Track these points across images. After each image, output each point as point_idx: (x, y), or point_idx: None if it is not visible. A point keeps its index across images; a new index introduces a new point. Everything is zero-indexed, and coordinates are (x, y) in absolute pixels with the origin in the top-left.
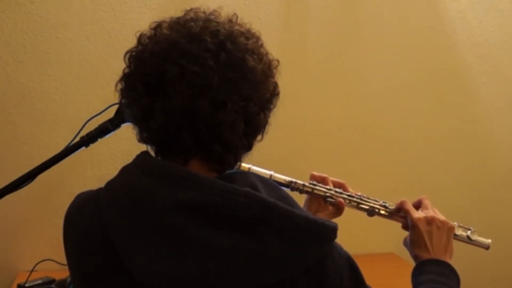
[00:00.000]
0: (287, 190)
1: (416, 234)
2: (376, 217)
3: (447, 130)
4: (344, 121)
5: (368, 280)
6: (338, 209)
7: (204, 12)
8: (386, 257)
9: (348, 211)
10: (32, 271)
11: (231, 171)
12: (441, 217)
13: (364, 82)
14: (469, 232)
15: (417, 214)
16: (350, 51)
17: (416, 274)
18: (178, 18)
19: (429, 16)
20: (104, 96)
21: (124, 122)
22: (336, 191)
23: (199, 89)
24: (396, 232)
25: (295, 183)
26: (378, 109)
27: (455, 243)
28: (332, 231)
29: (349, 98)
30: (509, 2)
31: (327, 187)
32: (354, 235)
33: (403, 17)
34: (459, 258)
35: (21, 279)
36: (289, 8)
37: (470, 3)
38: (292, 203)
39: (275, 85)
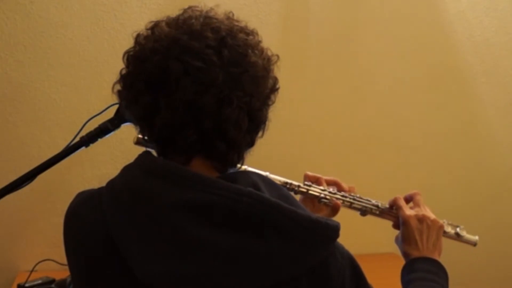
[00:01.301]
0: None
1: (407, 231)
2: (376, 217)
3: (447, 130)
4: (343, 121)
5: (367, 280)
6: (333, 210)
7: (201, 10)
8: (386, 257)
9: (346, 211)
10: (32, 271)
11: (232, 171)
12: (432, 215)
13: (363, 82)
14: (457, 229)
15: (409, 212)
16: (350, 51)
17: (406, 272)
18: (177, 16)
19: (429, 16)
20: (104, 96)
21: (124, 122)
22: (330, 192)
23: (204, 85)
24: (396, 232)
25: (290, 184)
26: (377, 109)
27: (448, 241)
28: (335, 230)
29: (348, 98)
30: (509, 2)
31: (321, 187)
32: (354, 235)
33: (403, 17)
34: (458, 260)
35: (21, 279)
36: (289, 8)
37: (470, 3)
38: (294, 202)
39: (275, 81)
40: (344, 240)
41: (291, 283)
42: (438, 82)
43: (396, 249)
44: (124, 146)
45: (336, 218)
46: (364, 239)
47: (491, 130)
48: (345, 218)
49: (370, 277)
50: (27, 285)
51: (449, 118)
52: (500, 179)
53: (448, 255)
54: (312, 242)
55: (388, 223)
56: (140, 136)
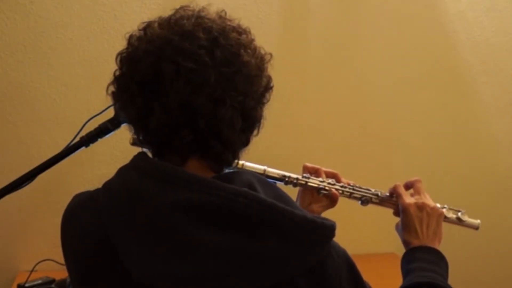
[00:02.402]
0: (281, 184)
1: (407, 219)
2: (375, 217)
3: (447, 130)
4: (344, 121)
5: (368, 280)
6: (332, 201)
7: (193, 10)
8: (386, 257)
9: (347, 211)
10: (32, 271)
11: (228, 171)
12: (431, 203)
13: (364, 81)
14: (459, 213)
15: (408, 200)
16: (350, 51)
17: (406, 261)
18: (169, 17)
19: (429, 16)
20: (104, 96)
21: (124, 122)
22: (329, 183)
23: (197, 86)
24: (396, 219)
25: (289, 177)
26: (377, 109)
27: (448, 242)
28: (331, 230)
29: (348, 97)
30: (509, 2)
31: (320, 179)
32: (354, 235)
33: (403, 17)
34: (458, 260)
35: (21, 279)
36: (289, 8)
37: (470, 3)
38: (290, 202)
39: (269, 79)
40: (344, 240)
41: (290, 283)
42: (438, 82)
43: (396, 249)
44: (124, 146)
45: (336, 219)
46: (364, 239)
47: (491, 130)
48: (345, 218)
49: (370, 277)
50: (27, 285)
51: (449, 118)
52: (500, 179)
53: (448, 256)
54: (309, 242)
55: (387, 223)
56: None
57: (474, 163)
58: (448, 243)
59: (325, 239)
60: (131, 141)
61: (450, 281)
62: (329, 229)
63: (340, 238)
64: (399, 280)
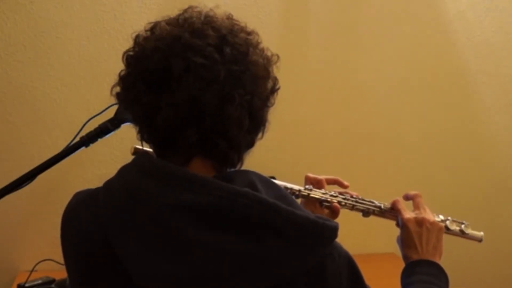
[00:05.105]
0: None
1: (406, 234)
2: (375, 217)
3: (447, 130)
4: (343, 121)
5: (368, 280)
6: (333, 213)
7: (201, 10)
8: (386, 257)
9: (347, 211)
10: (32, 271)
11: (231, 170)
12: (431, 217)
13: (364, 82)
14: (462, 226)
15: (408, 215)
16: (350, 51)
17: (406, 275)
18: (177, 16)
19: (429, 16)
20: (104, 96)
21: (124, 122)
22: (331, 195)
23: (206, 82)
24: (396, 232)
25: (291, 189)
26: (378, 109)
27: (449, 241)
28: (333, 231)
29: (348, 98)
30: (509, 2)
31: (323, 190)
32: (354, 235)
33: (403, 17)
34: (459, 259)
35: (21, 279)
36: (289, 8)
37: (470, 3)
38: (292, 202)
39: (275, 81)
40: (344, 240)
41: (290, 284)
42: (438, 82)
43: (396, 249)
44: (124, 146)
45: (337, 219)
46: (364, 239)
47: (491, 130)
48: (345, 218)
49: (369, 277)
50: (27, 285)
51: (449, 118)
52: (500, 179)
53: (448, 255)
54: (310, 242)
55: (388, 223)
56: (137, 146)
57: (474, 163)
58: (448, 243)
59: (327, 240)
60: (132, 151)
61: (450, 281)
62: (331, 230)
63: (340, 238)
64: (399, 280)
